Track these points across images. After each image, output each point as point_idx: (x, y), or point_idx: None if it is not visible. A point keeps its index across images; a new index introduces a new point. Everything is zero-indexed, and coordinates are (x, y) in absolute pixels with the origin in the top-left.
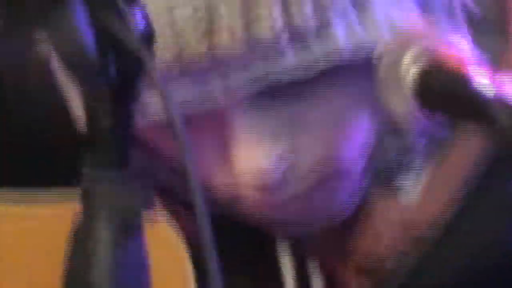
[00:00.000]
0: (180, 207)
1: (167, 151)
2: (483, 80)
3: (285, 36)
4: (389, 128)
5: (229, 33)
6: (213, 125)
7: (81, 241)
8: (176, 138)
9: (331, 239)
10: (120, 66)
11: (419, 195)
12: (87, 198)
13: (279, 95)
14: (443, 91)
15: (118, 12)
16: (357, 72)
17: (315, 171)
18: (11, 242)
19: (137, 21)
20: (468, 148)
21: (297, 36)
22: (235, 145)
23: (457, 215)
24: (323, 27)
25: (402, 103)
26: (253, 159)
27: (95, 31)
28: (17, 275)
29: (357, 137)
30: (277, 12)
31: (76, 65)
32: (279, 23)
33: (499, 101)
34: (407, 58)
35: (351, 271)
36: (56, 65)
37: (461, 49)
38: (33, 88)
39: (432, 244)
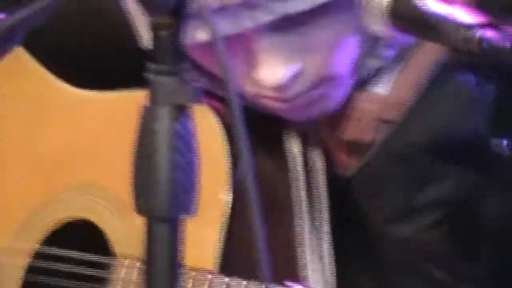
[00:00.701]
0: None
1: (209, 65)
2: (437, 5)
3: None
4: (369, 44)
5: None
6: (240, 47)
7: (146, 120)
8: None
9: (326, 123)
10: None
11: (390, 89)
12: (151, 86)
13: (290, 24)
14: (408, 15)
15: None
16: (348, 3)
17: (316, 79)
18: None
19: None
20: (429, 54)
21: None
22: (258, 63)
23: (419, 101)
24: None
25: (378, 24)
26: (272, 74)
27: None
28: (100, 151)
29: (348, 54)
30: None
31: None
32: None
33: (450, 21)
34: None
35: (340, 146)
36: None
37: None
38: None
39: (398, 124)
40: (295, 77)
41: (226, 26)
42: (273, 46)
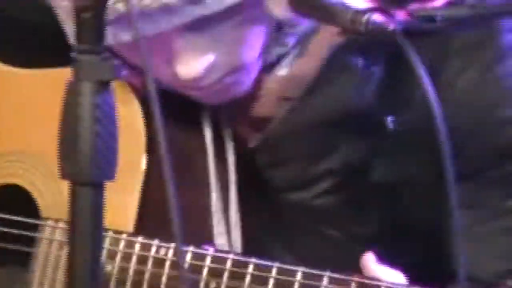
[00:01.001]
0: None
1: (131, 58)
2: None
3: None
4: (273, 34)
5: None
6: (160, 45)
7: (71, 94)
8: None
9: (235, 103)
10: None
11: (290, 70)
12: (75, 64)
13: (202, 23)
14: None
15: None
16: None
17: (228, 68)
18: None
19: None
20: (325, 39)
21: None
22: (176, 59)
23: (316, 80)
24: None
25: (281, 9)
26: (189, 69)
27: None
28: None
29: (255, 45)
30: None
31: None
32: None
33: (340, 5)
34: None
35: (246, 121)
36: None
37: None
38: None
39: (299, 99)
40: (209, 68)
41: (146, 28)
42: (188, 44)
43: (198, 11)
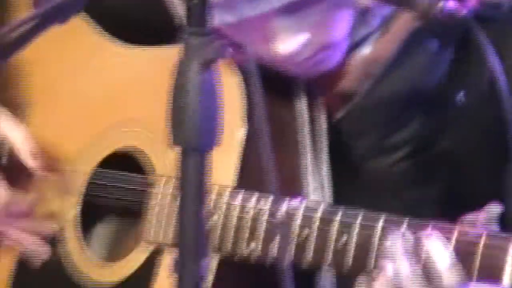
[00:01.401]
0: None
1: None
2: None
3: None
4: (359, 16)
5: None
6: (258, 26)
7: (181, 71)
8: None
9: (325, 79)
10: None
11: (373, 49)
12: (185, 44)
13: (296, 5)
14: None
15: None
16: None
17: (319, 46)
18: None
19: None
20: (404, 23)
21: None
22: (273, 38)
23: (394, 60)
24: None
25: None
26: (285, 46)
27: None
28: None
29: (343, 25)
30: None
31: None
32: None
33: None
34: None
35: (334, 95)
36: None
37: None
38: None
39: (379, 76)
40: (303, 46)
41: (248, 10)
42: (285, 24)
43: None
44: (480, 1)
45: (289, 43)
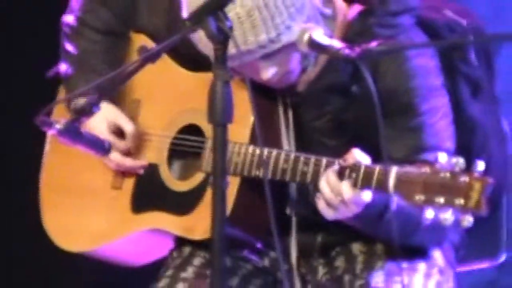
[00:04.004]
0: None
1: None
2: (326, 38)
3: None
4: (304, 55)
5: None
6: (252, 66)
7: (213, 86)
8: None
9: (290, 86)
10: None
11: (312, 70)
12: (215, 72)
13: (269, 54)
14: (314, 43)
15: None
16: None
17: (285, 72)
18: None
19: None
20: (325, 57)
21: None
22: (259, 71)
23: (322, 73)
24: None
25: (304, 48)
26: (266, 75)
27: None
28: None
29: (297, 60)
30: None
31: None
32: None
33: (331, 46)
34: None
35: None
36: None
37: None
38: None
39: (315, 80)
40: (273, 74)
41: (244, 58)
42: (263, 64)
43: (268, 49)
44: (362, 49)
45: (266, 73)
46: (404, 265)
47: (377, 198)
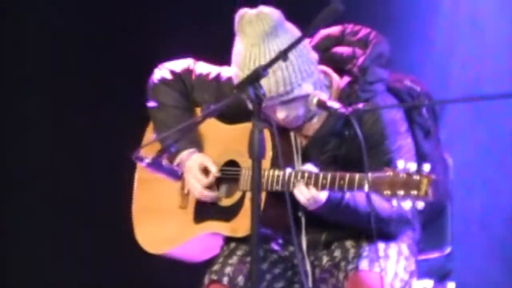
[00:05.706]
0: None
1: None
2: (324, 96)
3: None
4: (308, 109)
5: None
6: (272, 108)
7: (252, 134)
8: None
9: (299, 127)
10: None
11: (316, 120)
12: (253, 122)
13: (286, 102)
14: (319, 104)
15: None
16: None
17: (295, 116)
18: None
19: None
20: (325, 114)
21: None
22: (277, 113)
23: (324, 122)
24: None
25: (313, 107)
26: (281, 117)
27: None
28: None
29: (303, 110)
30: None
31: None
32: None
33: (329, 105)
34: None
35: (303, 134)
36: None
37: None
38: None
39: (320, 128)
40: (286, 116)
41: (269, 103)
42: (280, 109)
43: (284, 98)
44: (353, 108)
45: (281, 115)
46: (381, 253)
47: (332, 195)
